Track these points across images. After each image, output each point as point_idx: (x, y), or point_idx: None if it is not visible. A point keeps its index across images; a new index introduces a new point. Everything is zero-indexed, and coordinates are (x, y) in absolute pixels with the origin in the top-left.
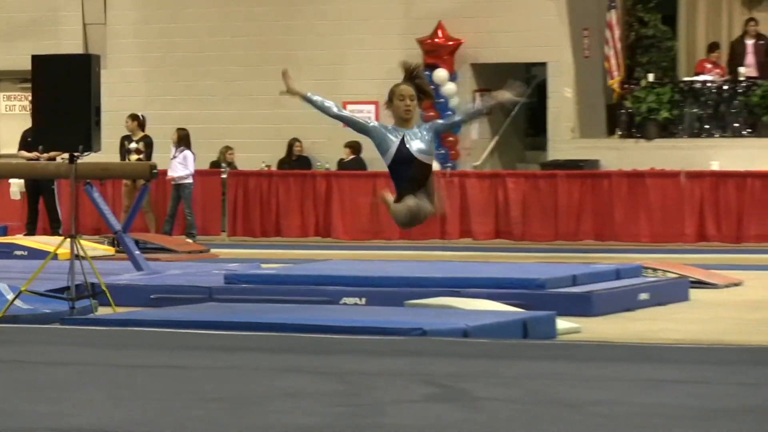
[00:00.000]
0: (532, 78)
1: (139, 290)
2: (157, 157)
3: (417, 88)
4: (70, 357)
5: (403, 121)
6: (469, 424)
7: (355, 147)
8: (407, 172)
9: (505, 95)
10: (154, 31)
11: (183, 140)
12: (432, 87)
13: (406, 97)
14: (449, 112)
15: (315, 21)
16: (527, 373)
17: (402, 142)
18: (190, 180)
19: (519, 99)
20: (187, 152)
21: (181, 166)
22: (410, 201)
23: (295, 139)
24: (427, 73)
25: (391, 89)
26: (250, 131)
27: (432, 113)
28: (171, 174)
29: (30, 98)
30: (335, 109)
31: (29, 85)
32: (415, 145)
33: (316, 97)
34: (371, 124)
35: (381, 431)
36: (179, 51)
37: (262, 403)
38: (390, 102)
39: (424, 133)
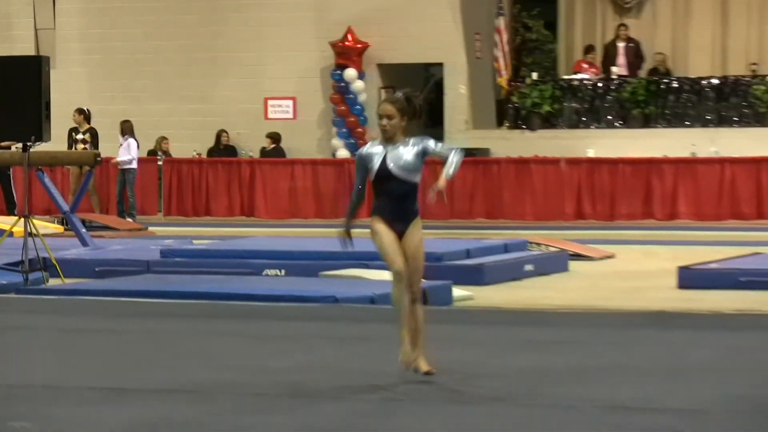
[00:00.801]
0: (430, 77)
1: (85, 264)
2: (102, 147)
3: (404, 112)
4: (24, 322)
5: (385, 139)
6: (373, 376)
7: (275, 137)
8: (385, 185)
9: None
10: (96, 36)
11: (127, 130)
12: (343, 84)
13: (383, 116)
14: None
15: (238, 27)
16: (427, 334)
17: (384, 158)
18: (134, 165)
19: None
20: (131, 140)
21: (125, 152)
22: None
23: (222, 131)
24: (338, 72)
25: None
26: (182, 123)
27: (343, 107)
28: (118, 159)
29: None
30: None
31: None
32: (396, 161)
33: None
34: (363, 164)
35: (292, 378)
36: (119, 53)
37: (192, 362)
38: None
39: (410, 148)
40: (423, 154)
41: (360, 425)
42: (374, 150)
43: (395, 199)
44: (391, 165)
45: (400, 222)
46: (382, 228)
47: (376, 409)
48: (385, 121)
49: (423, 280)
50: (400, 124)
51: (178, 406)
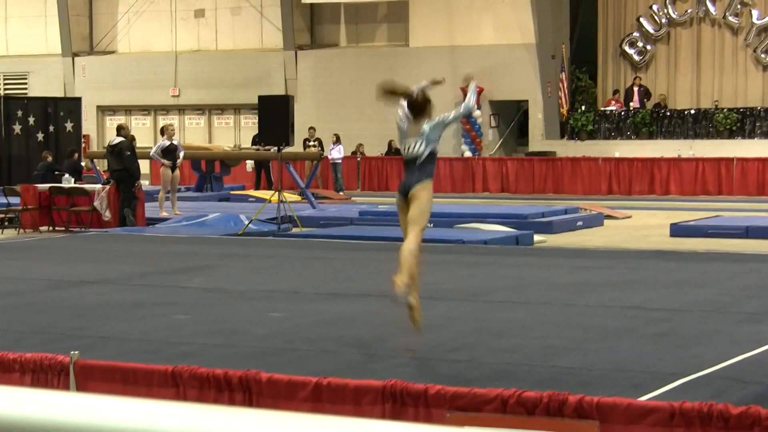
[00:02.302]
0: (520, 108)
1: (314, 219)
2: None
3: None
4: (276, 253)
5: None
6: (479, 287)
7: None
8: (407, 174)
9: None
10: (320, 82)
11: (337, 139)
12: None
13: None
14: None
15: (402, 76)
16: (517, 262)
17: (407, 146)
18: (340, 161)
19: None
20: (340, 146)
21: (337, 153)
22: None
23: (392, 140)
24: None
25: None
26: (371, 135)
27: (467, 126)
28: (331, 157)
29: (257, 118)
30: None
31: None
32: (415, 148)
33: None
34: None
35: (436, 285)
36: (333, 93)
37: (378, 278)
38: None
39: (426, 129)
40: (439, 126)
41: (484, 312)
42: (402, 133)
43: (407, 162)
44: (413, 150)
45: (407, 185)
46: (397, 200)
47: (493, 308)
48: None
49: (512, 229)
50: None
51: (369, 305)
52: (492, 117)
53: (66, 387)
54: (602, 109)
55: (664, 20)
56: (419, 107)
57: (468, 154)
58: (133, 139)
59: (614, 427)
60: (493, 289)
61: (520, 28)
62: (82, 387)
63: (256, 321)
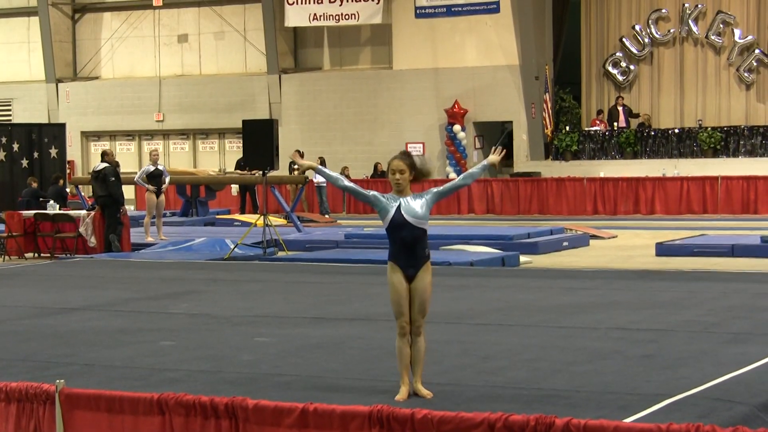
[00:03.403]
0: (504, 129)
1: (299, 242)
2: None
3: (413, 168)
4: (262, 278)
5: (397, 191)
6: (468, 309)
7: None
8: (398, 232)
9: (492, 159)
10: (305, 106)
11: (322, 163)
12: (452, 134)
13: (396, 171)
14: (451, 179)
15: (389, 100)
16: (503, 284)
17: (398, 209)
18: (324, 184)
19: (498, 160)
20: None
21: (320, 177)
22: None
23: (377, 162)
24: (449, 127)
25: (388, 162)
26: (356, 158)
27: (452, 148)
28: (315, 181)
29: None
30: (344, 182)
31: (240, 136)
32: (409, 212)
33: (326, 170)
34: (371, 194)
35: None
36: (318, 116)
37: (364, 302)
38: (387, 170)
39: (420, 200)
40: (432, 201)
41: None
42: (389, 203)
43: (408, 245)
44: (405, 215)
45: (411, 267)
46: (395, 279)
47: (473, 330)
48: (398, 176)
49: (500, 250)
50: (408, 179)
51: (356, 328)
52: (476, 138)
53: (51, 416)
54: (586, 129)
55: (647, 40)
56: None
57: (453, 175)
58: (117, 164)
59: None
60: (479, 312)
61: (504, 49)
62: (68, 416)
63: (243, 346)
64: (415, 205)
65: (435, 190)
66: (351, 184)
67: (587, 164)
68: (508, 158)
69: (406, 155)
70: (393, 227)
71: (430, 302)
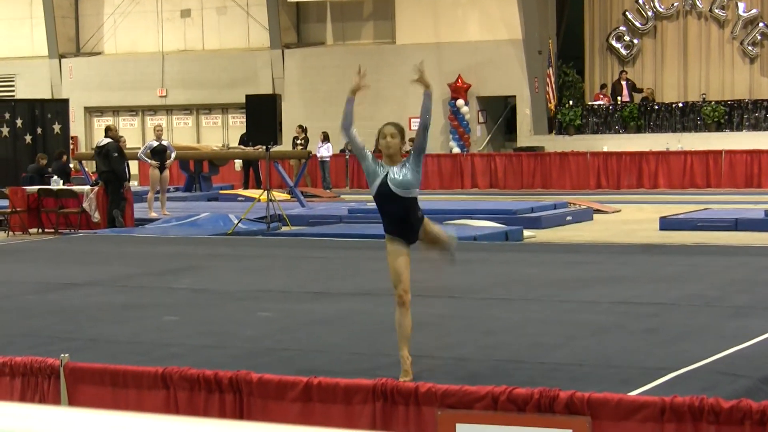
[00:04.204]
0: (508, 104)
1: (303, 217)
2: (310, 147)
3: (403, 135)
4: (267, 253)
5: (387, 158)
6: (470, 282)
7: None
8: (387, 205)
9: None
10: (307, 81)
11: (325, 137)
12: (455, 109)
13: (387, 135)
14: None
15: (392, 75)
16: (507, 258)
17: (385, 178)
18: (328, 160)
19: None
20: (329, 144)
21: (325, 152)
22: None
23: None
24: (452, 101)
25: (379, 129)
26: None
27: (455, 123)
28: (319, 156)
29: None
30: (353, 130)
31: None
32: (396, 182)
33: (349, 108)
34: (367, 153)
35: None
36: (320, 91)
37: (367, 276)
38: (377, 141)
39: (407, 166)
40: (415, 161)
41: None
42: (378, 169)
43: (400, 217)
44: (392, 185)
45: (409, 234)
46: (393, 249)
47: (488, 304)
48: (389, 139)
49: (504, 225)
50: (399, 144)
51: (358, 303)
52: (479, 113)
53: (56, 390)
54: (590, 103)
55: (650, 14)
56: None
57: (456, 150)
58: (123, 140)
59: (605, 423)
60: (482, 286)
61: (506, 23)
62: (72, 390)
63: (245, 321)
64: (400, 174)
65: (411, 149)
66: (356, 135)
67: (590, 139)
68: (510, 132)
69: (397, 125)
70: (380, 197)
71: (445, 237)
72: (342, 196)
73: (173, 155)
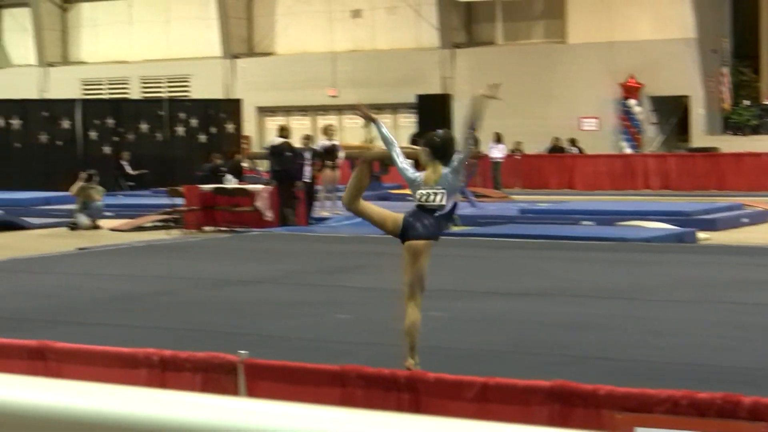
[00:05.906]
0: (681, 104)
1: (474, 218)
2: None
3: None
4: (436, 252)
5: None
6: (635, 283)
7: (573, 142)
8: (421, 217)
9: (477, 99)
10: (477, 80)
11: (498, 139)
12: (626, 109)
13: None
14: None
15: (561, 75)
16: (679, 260)
17: (420, 197)
18: (500, 161)
19: (490, 96)
20: (501, 146)
21: (497, 152)
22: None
23: (555, 137)
24: (623, 101)
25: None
26: (528, 133)
27: (627, 123)
28: (490, 156)
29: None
30: (395, 151)
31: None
32: (430, 201)
33: (383, 129)
34: (410, 174)
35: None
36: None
37: (532, 276)
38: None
39: (440, 188)
40: (454, 174)
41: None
42: (420, 185)
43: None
44: (427, 204)
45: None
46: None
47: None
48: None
49: (674, 227)
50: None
51: (527, 303)
52: (652, 113)
53: (235, 386)
54: (766, 103)
55: None
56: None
57: (628, 150)
58: (309, 140)
59: None
60: (653, 288)
61: (679, 22)
62: (251, 386)
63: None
64: (437, 198)
65: (448, 171)
66: (398, 157)
67: (766, 139)
68: (683, 132)
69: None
70: (417, 210)
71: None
72: (513, 197)
73: (342, 155)
